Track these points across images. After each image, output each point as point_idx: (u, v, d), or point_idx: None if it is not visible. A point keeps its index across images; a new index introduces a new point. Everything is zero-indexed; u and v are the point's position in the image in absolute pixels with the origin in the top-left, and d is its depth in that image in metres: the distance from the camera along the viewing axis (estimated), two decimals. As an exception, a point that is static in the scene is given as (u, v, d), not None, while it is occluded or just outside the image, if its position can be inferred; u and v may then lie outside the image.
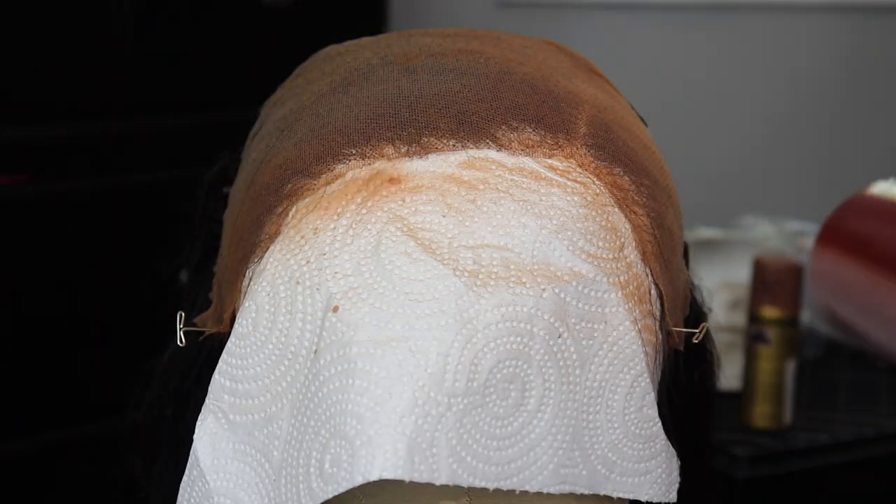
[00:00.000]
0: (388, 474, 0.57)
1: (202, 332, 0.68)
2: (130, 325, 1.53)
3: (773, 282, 1.54)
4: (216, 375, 0.63)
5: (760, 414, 1.56)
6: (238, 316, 0.63)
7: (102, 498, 1.55)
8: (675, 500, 0.65)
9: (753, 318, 1.56)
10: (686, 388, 0.71)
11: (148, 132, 1.55)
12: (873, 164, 2.31)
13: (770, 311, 1.55)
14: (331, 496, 0.59)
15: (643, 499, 0.64)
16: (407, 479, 0.57)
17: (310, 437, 0.60)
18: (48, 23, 1.47)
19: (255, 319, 0.62)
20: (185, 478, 0.65)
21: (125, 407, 0.79)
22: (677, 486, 0.65)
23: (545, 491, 0.61)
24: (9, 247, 1.47)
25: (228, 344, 0.63)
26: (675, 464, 0.65)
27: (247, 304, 0.63)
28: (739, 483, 1.49)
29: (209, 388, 0.64)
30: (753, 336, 1.56)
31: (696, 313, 0.71)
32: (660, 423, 0.64)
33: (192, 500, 0.64)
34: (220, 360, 0.63)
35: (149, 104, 1.56)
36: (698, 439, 0.75)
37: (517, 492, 0.61)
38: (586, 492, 0.62)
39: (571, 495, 0.63)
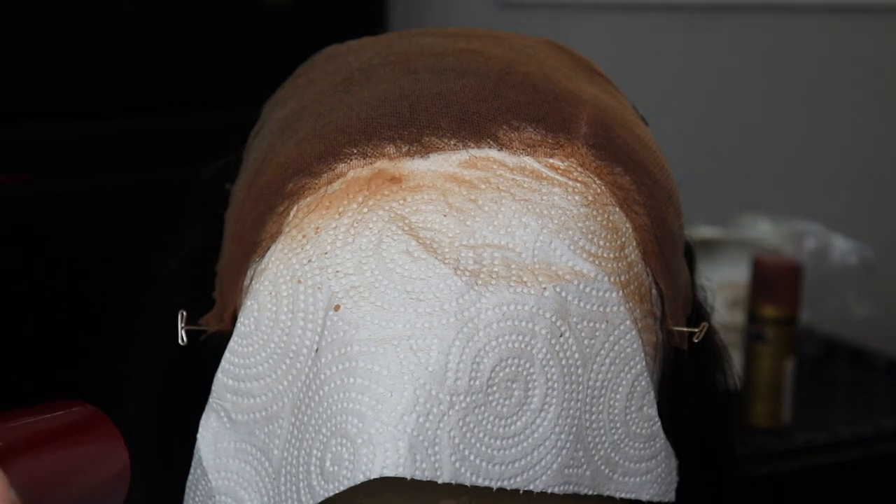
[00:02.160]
0: (389, 472, 0.57)
1: (201, 330, 0.68)
2: (130, 326, 1.53)
3: (772, 281, 1.55)
4: (219, 374, 0.63)
5: (759, 413, 1.56)
6: (240, 315, 0.63)
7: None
8: (673, 499, 0.65)
9: (753, 317, 1.56)
10: (692, 388, 0.71)
11: (148, 132, 1.55)
12: (873, 164, 2.31)
13: (769, 311, 1.55)
14: (332, 494, 0.59)
15: (644, 499, 0.64)
16: (408, 476, 0.57)
17: (310, 436, 0.60)
18: (48, 22, 1.47)
19: (257, 318, 0.62)
20: (189, 476, 0.65)
21: (124, 405, 0.79)
22: (675, 485, 0.65)
23: (549, 491, 0.61)
24: (8, 247, 1.47)
25: (231, 343, 0.63)
26: (673, 463, 0.65)
27: (249, 303, 0.63)
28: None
29: (212, 387, 0.64)
30: (753, 335, 1.56)
31: (697, 313, 0.71)
32: (659, 423, 0.64)
33: (197, 499, 0.64)
34: (222, 359, 0.63)
35: (149, 104, 1.56)
36: (711, 439, 0.75)
37: (521, 491, 0.61)
38: (590, 492, 0.62)
39: (574, 496, 0.63)
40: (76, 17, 1.49)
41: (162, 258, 0.75)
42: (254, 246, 0.65)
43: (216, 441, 0.64)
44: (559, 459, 0.61)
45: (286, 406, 0.62)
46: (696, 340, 0.67)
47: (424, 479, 0.58)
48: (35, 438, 0.53)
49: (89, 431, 0.55)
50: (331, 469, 0.59)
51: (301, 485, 0.60)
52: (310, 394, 0.60)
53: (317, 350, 0.60)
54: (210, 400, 0.64)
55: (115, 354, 0.76)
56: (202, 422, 0.64)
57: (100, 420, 0.56)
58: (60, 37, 1.48)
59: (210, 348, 0.67)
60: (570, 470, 0.61)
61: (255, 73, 1.52)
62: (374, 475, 0.57)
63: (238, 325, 0.63)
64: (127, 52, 1.52)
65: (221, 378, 0.63)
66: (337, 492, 0.58)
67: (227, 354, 0.63)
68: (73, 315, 1.53)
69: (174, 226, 0.76)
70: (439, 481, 0.58)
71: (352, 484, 0.58)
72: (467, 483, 0.59)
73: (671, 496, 0.65)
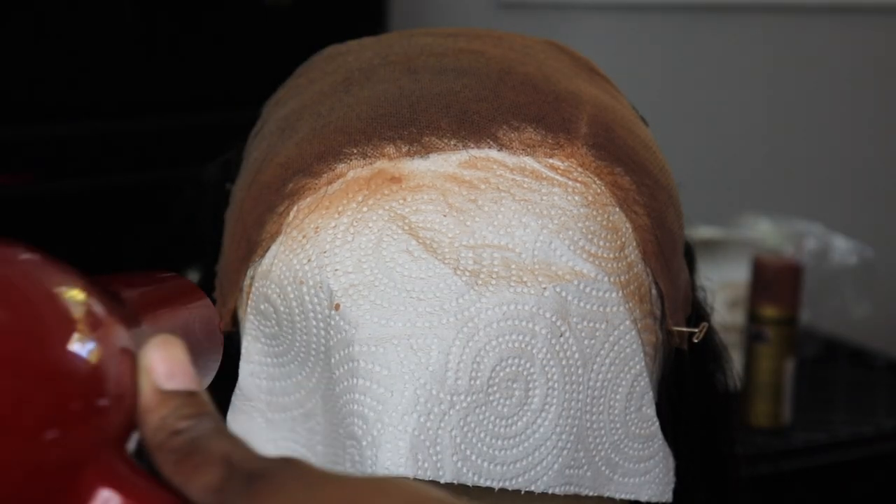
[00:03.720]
0: (392, 472, 0.57)
1: None
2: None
3: (772, 281, 1.55)
4: (249, 377, 0.64)
5: (759, 413, 1.56)
6: (260, 318, 0.64)
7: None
8: (671, 499, 0.65)
9: (753, 317, 1.57)
10: (692, 388, 0.72)
11: (148, 132, 1.55)
12: (873, 164, 2.31)
13: (769, 311, 1.55)
14: None
15: (643, 499, 0.64)
16: (410, 476, 0.57)
17: (335, 436, 0.61)
18: (49, 23, 1.47)
19: (277, 320, 0.63)
20: None
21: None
22: (672, 485, 0.65)
23: (550, 492, 0.61)
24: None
25: (258, 345, 0.64)
26: (671, 463, 0.65)
27: (263, 306, 0.63)
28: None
29: (238, 390, 0.64)
30: (752, 335, 1.57)
31: (697, 313, 0.71)
32: (657, 423, 0.64)
33: None
34: (251, 362, 0.64)
35: (149, 104, 1.56)
36: (711, 439, 0.75)
37: (522, 492, 0.61)
38: (591, 493, 0.62)
39: (575, 496, 0.63)
40: (77, 17, 1.49)
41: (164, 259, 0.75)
42: (254, 246, 0.65)
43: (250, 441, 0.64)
44: (560, 460, 0.61)
45: (318, 404, 0.62)
46: (695, 340, 0.67)
47: (426, 479, 0.58)
48: (155, 300, 0.51)
49: (192, 296, 0.54)
50: (350, 469, 0.59)
51: None
52: (329, 392, 0.61)
53: (326, 350, 0.61)
54: (236, 402, 0.64)
55: None
56: (229, 423, 0.64)
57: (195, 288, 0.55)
58: (61, 37, 1.48)
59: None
60: (571, 471, 0.61)
61: (256, 74, 1.52)
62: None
63: (262, 328, 0.64)
64: (127, 52, 1.52)
65: (252, 380, 0.64)
66: None
67: (256, 357, 0.64)
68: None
69: (175, 226, 0.76)
70: (441, 481, 0.58)
71: None
72: (469, 483, 0.59)
73: (668, 497, 0.65)
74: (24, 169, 1.47)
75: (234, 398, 0.64)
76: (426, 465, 0.58)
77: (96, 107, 1.52)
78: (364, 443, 0.58)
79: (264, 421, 0.64)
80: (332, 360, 0.60)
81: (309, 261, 0.62)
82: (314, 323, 0.61)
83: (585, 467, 0.62)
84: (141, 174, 1.55)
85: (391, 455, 0.57)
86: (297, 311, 0.62)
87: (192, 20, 1.58)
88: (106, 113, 1.53)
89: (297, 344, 0.62)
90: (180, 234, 0.76)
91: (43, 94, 1.49)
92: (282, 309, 0.62)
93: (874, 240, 1.94)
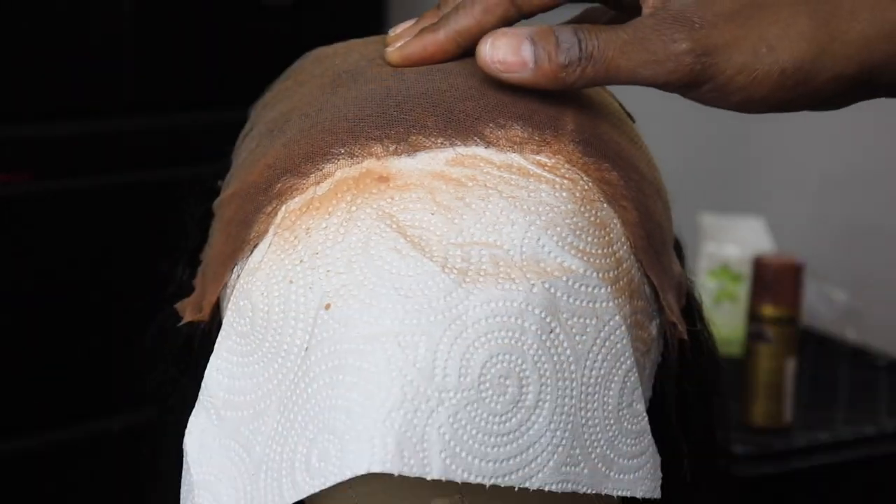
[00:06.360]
0: (377, 468, 0.57)
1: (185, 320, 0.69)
2: (130, 325, 1.54)
3: (772, 281, 1.55)
4: (214, 372, 0.64)
5: (760, 413, 1.56)
6: (235, 314, 0.64)
7: (102, 497, 1.55)
8: (660, 495, 0.65)
9: (753, 316, 1.57)
10: (685, 383, 0.72)
11: (148, 132, 1.56)
12: (853, 164, 2.32)
13: (770, 310, 1.55)
14: (318, 490, 0.59)
15: (638, 496, 0.65)
16: (396, 472, 0.57)
17: (296, 433, 0.60)
18: (48, 22, 1.48)
19: (252, 318, 0.63)
20: (183, 471, 0.65)
21: (124, 406, 0.79)
22: (660, 481, 0.66)
23: (547, 489, 0.61)
24: (9, 246, 1.48)
25: (229, 342, 0.64)
26: (657, 459, 0.65)
27: (242, 303, 0.63)
28: (739, 481, 1.49)
29: (203, 384, 0.64)
30: (753, 335, 1.57)
31: (689, 306, 0.72)
32: (647, 419, 0.64)
33: (183, 492, 0.65)
34: (218, 358, 0.64)
35: (148, 104, 1.56)
36: (707, 436, 0.75)
37: (516, 489, 0.61)
38: (589, 491, 0.62)
39: (572, 494, 0.63)
40: (76, 17, 1.49)
41: (169, 264, 0.76)
42: (241, 244, 0.65)
43: (202, 437, 0.64)
44: (555, 457, 0.61)
45: (272, 404, 0.62)
46: (687, 337, 0.68)
47: (413, 476, 0.58)
48: None
49: None
50: (317, 465, 0.59)
51: (284, 481, 0.60)
52: (297, 391, 0.61)
53: (307, 349, 0.61)
54: (201, 397, 0.64)
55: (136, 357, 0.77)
56: (192, 418, 0.65)
57: None
58: (60, 36, 1.49)
59: (188, 338, 0.67)
60: (568, 468, 0.61)
61: (255, 73, 1.52)
62: (362, 471, 0.57)
63: (234, 325, 0.64)
64: (127, 52, 1.53)
65: (216, 376, 0.64)
66: (323, 487, 0.59)
67: (224, 354, 0.64)
68: (72, 314, 1.53)
69: (174, 227, 0.76)
70: (428, 478, 0.58)
71: (339, 479, 0.58)
72: (458, 480, 0.59)
73: (658, 492, 0.65)
74: (24, 168, 1.47)
75: (200, 392, 0.65)
76: (412, 461, 0.58)
77: (96, 107, 1.53)
78: (347, 436, 0.58)
79: (217, 418, 0.64)
80: (313, 358, 0.60)
81: (301, 261, 0.62)
82: (292, 322, 0.61)
83: (582, 464, 0.62)
84: (141, 174, 1.56)
85: (378, 450, 0.57)
86: (277, 308, 0.62)
87: (191, 20, 1.58)
88: (106, 113, 1.53)
89: (267, 344, 0.62)
90: (180, 236, 0.76)
91: (43, 94, 1.50)
92: (261, 306, 0.62)
93: (876, 238, 1.94)
